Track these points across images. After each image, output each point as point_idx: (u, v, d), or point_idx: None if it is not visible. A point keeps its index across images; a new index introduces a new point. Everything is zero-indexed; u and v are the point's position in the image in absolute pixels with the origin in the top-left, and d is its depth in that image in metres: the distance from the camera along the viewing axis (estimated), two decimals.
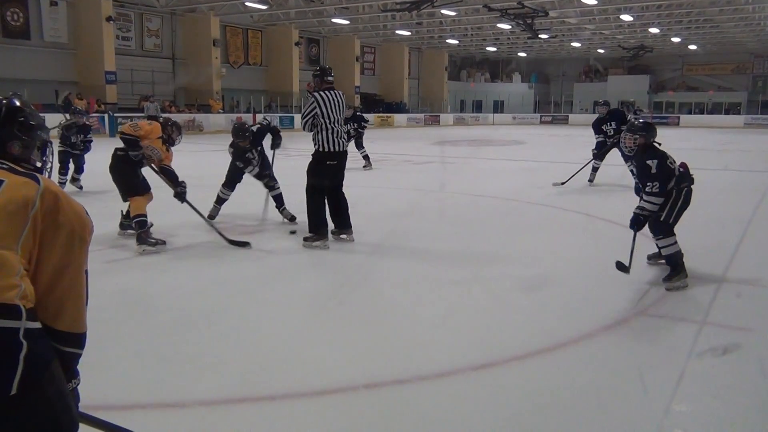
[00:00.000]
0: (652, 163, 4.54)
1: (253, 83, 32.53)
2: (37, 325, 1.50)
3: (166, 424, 2.77)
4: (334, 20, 31.44)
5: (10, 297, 1.42)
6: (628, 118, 9.92)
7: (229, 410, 2.86)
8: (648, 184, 4.56)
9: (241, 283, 4.83)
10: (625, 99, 44.52)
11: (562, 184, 9.94)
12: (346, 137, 5.80)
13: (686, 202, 4.67)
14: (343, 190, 5.98)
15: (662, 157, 4.62)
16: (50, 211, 1.58)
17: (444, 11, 28.86)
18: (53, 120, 8.71)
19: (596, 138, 10.29)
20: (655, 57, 43.35)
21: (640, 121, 4.95)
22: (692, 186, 4.72)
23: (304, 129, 5.82)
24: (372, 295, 4.70)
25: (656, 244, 4.80)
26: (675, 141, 20.49)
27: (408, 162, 13.86)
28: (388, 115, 37.27)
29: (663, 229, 4.65)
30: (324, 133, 5.68)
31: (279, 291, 4.63)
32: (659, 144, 4.76)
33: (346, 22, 31.94)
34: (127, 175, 5.91)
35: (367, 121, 13.86)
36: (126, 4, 26.65)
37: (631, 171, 9.55)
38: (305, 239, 5.82)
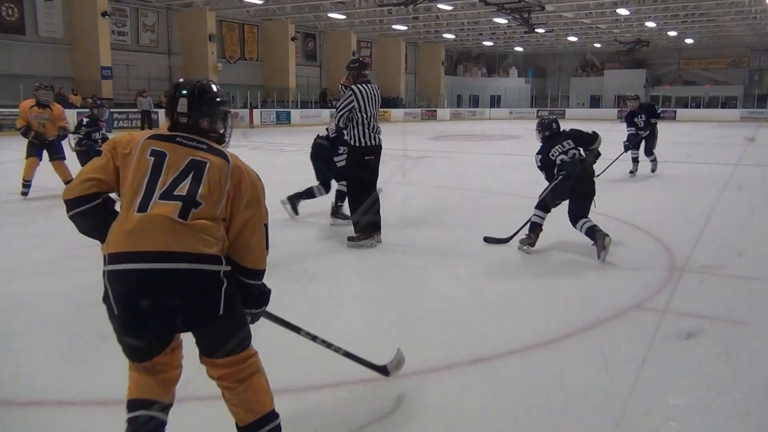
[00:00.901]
0: (537, 158, 5.71)
1: (249, 78, 32.45)
2: (229, 268, 2.13)
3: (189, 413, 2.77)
4: (331, 15, 31.35)
5: (214, 251, 2.06)
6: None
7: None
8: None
9: None
10: (622, 93, 44.75)
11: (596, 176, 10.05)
12: (380, 131, 5.66)
13: (564, 189, 5.45)
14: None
15: (548, 149, 5.57)
16: (236, 183, 2.14)
17: (440, 5, 28.81)
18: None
19: (628, 130, 10.66)
20: (651, 51, 43.37)
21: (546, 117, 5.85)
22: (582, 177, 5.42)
23: (338, 123, 5.64)
24: (369, 288, 4.71)
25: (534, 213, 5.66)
26: (673, 135, 20.53)
27: (405, 157, 13.85)
28: (385, 109, 37.20)
29: (540, 204, 5.65)
30: (360, 127, 5.51)
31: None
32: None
33: (343, 16, 31.86)
34: None
35: None
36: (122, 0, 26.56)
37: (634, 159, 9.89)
38: (350, 239, 5.66)
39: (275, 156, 15.05)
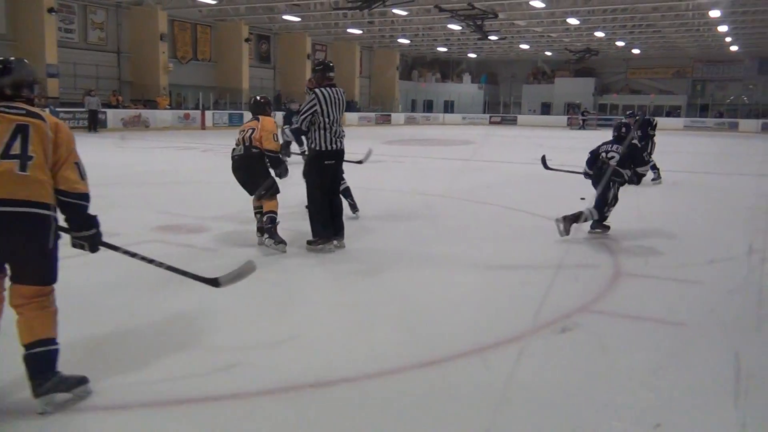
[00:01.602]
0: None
1: (201, 79, 31.97)
2: (56, 213, 2.76)
3: (176, 419, 2.70)
4: (285, 17, 31.16)
5: (48, 200, 2.69)
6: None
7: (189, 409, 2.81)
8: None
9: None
10: (571, 101, 45.77)
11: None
12: (343, 136, 5.64)
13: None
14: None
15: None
16: (56, 135, 2.75)
17: (395, 11, 28.96)
18: None
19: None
20: (600, 60, 44.51)
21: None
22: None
23: (301, 126, 5.57)
24: (316, 295, 4.70)
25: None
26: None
27: (360, 161, 13.84)
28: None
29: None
30: (322, 131, 5.47)
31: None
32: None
33: (297, 19, 31.71)
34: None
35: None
36: None
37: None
38: (309, 242, 5.62)
39: (227, 158, 14.84)
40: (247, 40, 32.76)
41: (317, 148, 5.51)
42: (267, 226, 5.64)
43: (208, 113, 28.50)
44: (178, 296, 4.38)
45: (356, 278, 5.08)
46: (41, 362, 2.69)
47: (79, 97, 24.57)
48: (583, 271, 5.28)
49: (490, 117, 46.23)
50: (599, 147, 6.73)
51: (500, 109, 48.23)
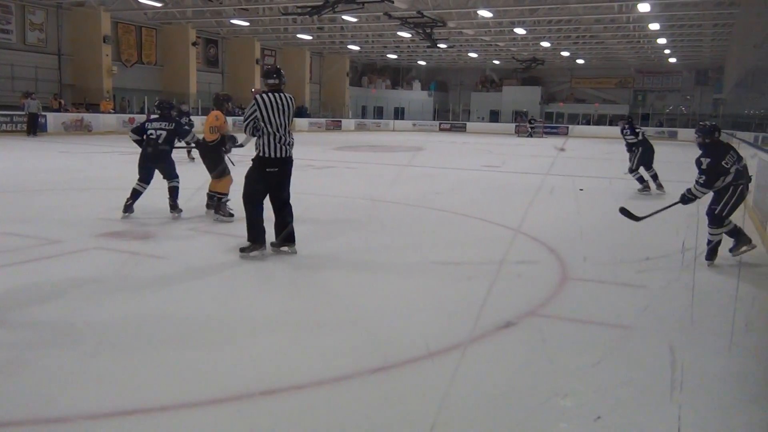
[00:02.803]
0: (704, 161, 5.58)
1: (147, 83, 31.30)
2: None
3: (125, 429, 2.62)
4: (233, 21, 30.83)
5: None
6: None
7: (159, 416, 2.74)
8: (698, 176, 5.65)
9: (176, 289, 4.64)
10: (518, 109, 46.75)
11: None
12: (291, 143, 5.54)
13: (741, 197, 5.61)
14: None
15: (718, 157, 5.59)
16: None
17: (345, 17, 29.00)
18: None
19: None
20: (546, 69, 45.55)
21: (707, 123, 5.92)
22: (749, 184, 5.81)
23: (245, 131, 5.57)
24: (268, 300, 4.66)
25: (709, 232, 5.75)
26: (568, 150, 21.63)
27: (310, 167, 13.81)
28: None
29: (718, 221, 5.63)
30: (265, 137, 5.42)
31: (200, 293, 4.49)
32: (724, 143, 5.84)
33: (246, 23, 31.41)
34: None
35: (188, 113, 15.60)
36: None
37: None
38: (242, 250, 5.54)
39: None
40: (194, 43, 32.26)
41: (260, 154, 5.47)
42: (212, 203, 7.27)
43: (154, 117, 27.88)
44: (123, 302, 4.28)
45: (305, 284, 5.06)
46: None
47: (17, 99, 23.71)
48: (529, 275, 5.38)
49: (440, 124, 46.71)
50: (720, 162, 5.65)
51: (450, 116, 48.80)
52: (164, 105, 7.65)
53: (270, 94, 5.49)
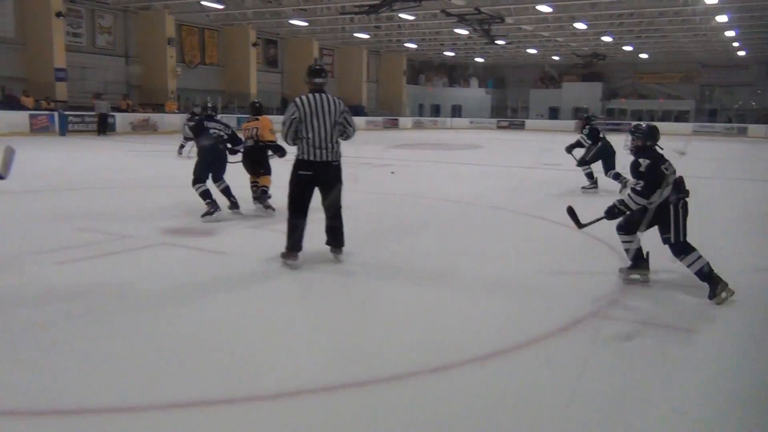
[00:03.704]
0: (643, 162, 4.73)
1: (209, 83, 32.09)
2: None
3: (158, 425, 2.72)
4: (292, 21, 31.27)
5: None
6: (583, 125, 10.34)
7: (200, 412, 2.82)
8: (636, 181, 4.75)
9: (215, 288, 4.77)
10: (578, 105, 45.73)
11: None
12: (333, 148, 5.25)
13: (685, 213, 4.71)
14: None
15: (656, 160, 4.77)
16: None
17: (402, 15, 29.01)
18: None
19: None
20: (607, 65, 44.43)
21: (643, 124, 5.15)
22: (687, 198, 4.76)
23: (285, 140, 5.34)
24: (335, 297, 4.70)
25: (684, 265, 4.68)
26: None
27: (368, 164, 13.88)
28: None
29: (681, 248, 4.66)
30: (302, 140, 5.18)
31: (251, 293, 4.60)
32: (661, 148, 4.93)
33: (305, 23, 31.81)
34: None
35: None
36: (77, 0, 25.98)
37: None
38: (282, 255, 5.34)
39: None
40: (254, 44, 32.88)
41: (297, 157, 5.27)
42: (260, 195, 7.68)
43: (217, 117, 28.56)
44: (186, 296, 4.40)
45: (355, 288, 5.08)
46: None
47: (88, 101, 24.71)
48: (592, 277, 5.26)
49: (498, 121, 46.21)
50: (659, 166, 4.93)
51: (508, 113, 48.22)
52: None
53: (312, 95, 5.23)
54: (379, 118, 40.15)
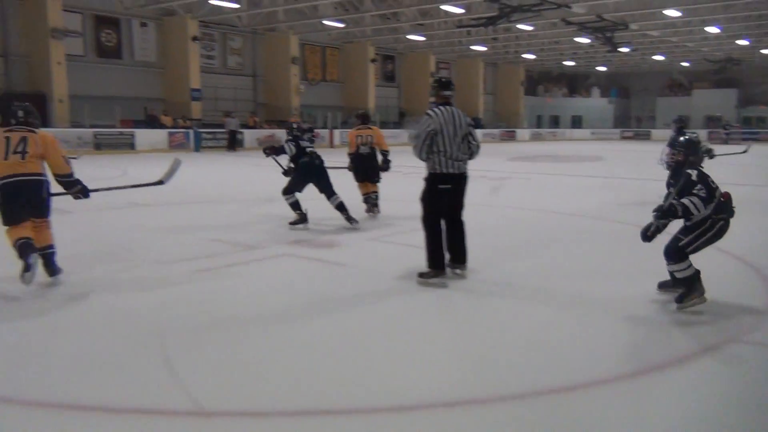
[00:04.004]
0: (692, 172, 4.33)
1: (330, 99, 33.17)
2: (47, 178, 4.96)
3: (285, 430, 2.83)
4: (410, 36, 31.69)
5: (40, 170, 4.89)
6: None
7: (298, 422, 2.90)
8: (694, 189, 4.26)
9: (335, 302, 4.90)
10: (711, 114, 42.90)
11: None
12: (464, 159, 5.22)
13: (718, 236, 4.39)
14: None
15: (703, 172, 4.38)
16: (42, 140, 4.91)
17: (520, 26, 28.61)
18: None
19: None
20: (743, 70, 41.44)
21: (684, 138, 4.70)
22: (730, 219, 4.42)
23: (418, 154, 5.16)
24: (456, 314, 4.68)
25: (668, 270, 4.45)
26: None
27: (484, 178, 13.75)
28: None
29: (677, 255, 4.36)
30: (436, 153, 5.10)
31: (359, 309, 4.68)
32: (702, 167, 4.49)
33: (422, 38, 32.14)
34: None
35: (313, 130, 16.29)
36: (210, 24, 27.76)
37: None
38: (421, 275, 5.22)
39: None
40: (373, 60, 33.63)
41: (432, 171, 5.17)
42: (376, 202, 8.42)
43: (336, 132, 29.46)
44: (311, 306, 4.54)
45: (480, 308, 5.01)
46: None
47: (219, 118, 26.31)
48: (729, 297, 4.89)
49: (622, 132, 44.35)
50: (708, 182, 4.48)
51: (632, 123, 46.12)
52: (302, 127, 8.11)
53: (443, 107, 5.17)
54: (496, 131, 39.70)
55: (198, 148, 23.97)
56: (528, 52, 37.88)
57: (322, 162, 7.64)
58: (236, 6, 24.82)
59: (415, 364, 3.57)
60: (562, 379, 3.34)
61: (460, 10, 25.74)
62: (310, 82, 32.54)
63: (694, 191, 4.25)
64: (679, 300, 4.38)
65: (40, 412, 2.98)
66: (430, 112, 5.16)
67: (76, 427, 2.86)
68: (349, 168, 8.64)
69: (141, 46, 26.05)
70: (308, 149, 7.61)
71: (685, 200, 4.26)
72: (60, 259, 5.12)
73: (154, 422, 2.89)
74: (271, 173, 9.39)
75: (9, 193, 4.76)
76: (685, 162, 4.49)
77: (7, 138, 4.78)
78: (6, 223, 4.81)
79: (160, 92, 26.40)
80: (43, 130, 5.04)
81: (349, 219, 7.55)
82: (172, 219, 8.34)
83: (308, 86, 31.90)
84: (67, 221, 7.08)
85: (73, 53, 23.14)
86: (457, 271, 5.36)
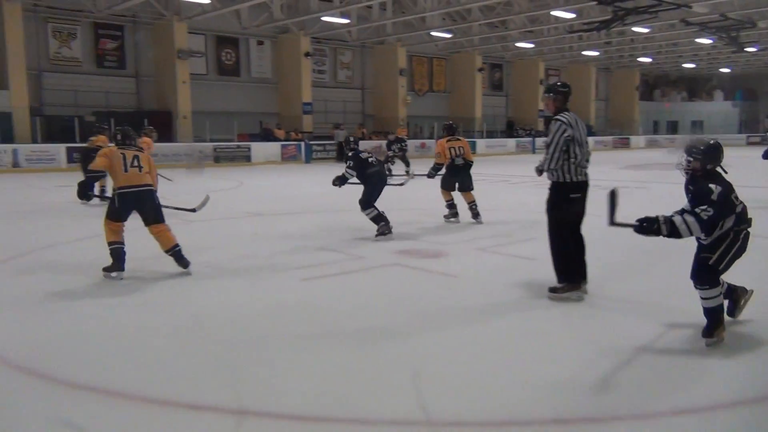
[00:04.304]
0: (716, 189, 3.81)
1: (436, 110, 33.24)
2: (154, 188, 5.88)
3: None
4: (518, 44, 31.19)
5: (151, 182, 5.79)
6: None
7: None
8: (702, 207, 3.80)
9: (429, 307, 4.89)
10: None
11: None
12: (586, 166, 5.04)
13: (743, 248, 3.96)
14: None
15: (728, 188, 3.90)
16: (149, 158, 5.91)
17: (635, 29, 27.43)
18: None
19: None
20: None
21: (703, 143, 4.09)
22: (749, 229, 3.99)
23: (553, 163, 4.91)
24: (576, 329, 4.53)
25: (699, 294, 3.96)
26: None
27: (597, 187, 13.26)
28: None
29: (710, 277, 3.91)
30: (568, 162, 4.90)
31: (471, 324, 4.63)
32: (725, 171, 4.05)
33: (531, 45, 31.55)
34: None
35: (404, 140, 18.00)
36: (322, 40, 28.64)
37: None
38: (552, 290, 4.98)
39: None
40: (480, 69, 33.39)
41: (560, 180, 4.94)
42: (476, 210, 8.58)
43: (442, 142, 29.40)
44: (418, 316, 4.53)
45: (599, 320, 4.81)
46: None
47: (329, 130, 27.07)
48: None
49: (747, 137, 41.35)
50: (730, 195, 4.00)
51: (760, 128, 42.89)
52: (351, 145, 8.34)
53: (570, 113, 5.01)
54: (609, 138, 38.19)
55: (309, 159, 24.74)
56: (644, 55, 36.21)
57: (385, 172, 8.22)
58: (346, 21, 25.47)
59: (538, 382, 3.47)
60: (703, 399, 3.14)
61: (571, 15, 25.03)
62: (417, 92, 32.77)
63: (699, 209, 3.81)
64: (706, 335, 3.92)
65: (144, 406, 3.15)
66: (563, 118, 4.95)
67: (175, 425, 3.00)
68: (429, 175, 9.00)
69: (257, 64, 27.30)
70: (370, 159, 7.88)
71: (683, 219, 3.87)
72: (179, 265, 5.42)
73: (252, 423, 2.98)
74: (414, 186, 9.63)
75: (129, 200, 5.60)
76: (702, 171, 3.99)
77: (123, 155, 5.63)
78: (110, 217, 5.63)
79: (275, 106, 27.52)
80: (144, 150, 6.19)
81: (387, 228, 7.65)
82: (282, 228, 8.63)
83: (415, 97, 32.14)
84: (188, 229, 7.50)
85: (196, 72, 24.62)
86: (583, 288, 5.06)
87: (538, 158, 5.44)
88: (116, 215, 5.62)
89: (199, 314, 4.70)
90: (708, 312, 3.94)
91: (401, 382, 3.41)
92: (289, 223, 9.20)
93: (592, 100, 39.49)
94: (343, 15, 24.88)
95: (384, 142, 19.62)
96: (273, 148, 24.35)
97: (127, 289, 5.36)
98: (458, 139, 8.87)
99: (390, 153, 17.21)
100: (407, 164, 16.75)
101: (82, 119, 21.20)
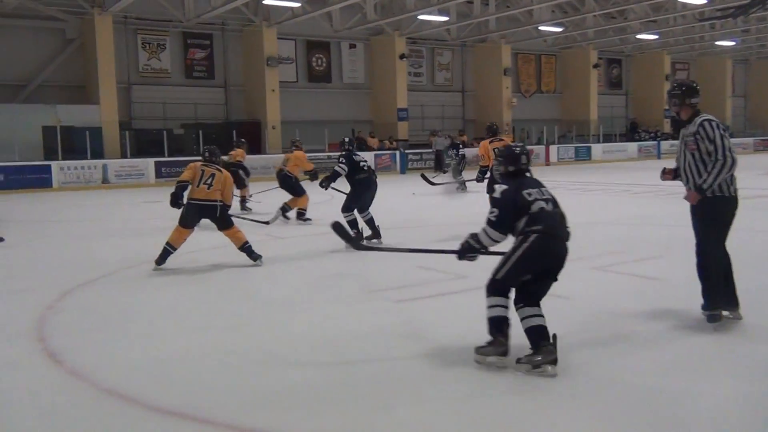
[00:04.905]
0: (498, 188, 4.10)
1: (545, 112, 32.66)
2: (222, 203, 7.36)
3: None
4: (640, 36, 30.14)
5: (219, 198, 7.23)
6: None
7: None
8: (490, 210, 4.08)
9: None
10: None
11: None
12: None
13: (538, 252, 3.97)
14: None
15: (519, 184, 4.06)
16: (225, 178, 7.31)
17: None
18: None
19: None
20: None
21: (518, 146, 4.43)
22: (551, 236, 3.99)
23: (732, 169, 4.61)
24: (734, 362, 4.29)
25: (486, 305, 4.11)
26: None
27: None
28: None
29: (493, 287, 4.08)
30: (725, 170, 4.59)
31: None
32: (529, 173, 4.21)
33: (654, 37, 30.42)
34: None
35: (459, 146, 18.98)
36: (418, 41, 28.85)
37: None
38: (712, 318, 4.71)
39: (576, 196, 14.77)
40: (595, 66, 32.53)
41: (719, 193, 4.62)
42: None
43: (553, 148, 28.85)
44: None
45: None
46: None
47: (425, 138, 27.13)
48: None
49: None
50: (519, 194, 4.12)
51: None
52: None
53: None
54: (749, 140, 36.08)
55: (404, 169, 24.87)
56: None
57: (375, 177, 8.84)
58: (445, 19, 25.54)
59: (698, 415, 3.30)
60: None
61: (701, 1, 23.94)
62: (523, 94, 32.34)
63: (489, 215, 4.08)
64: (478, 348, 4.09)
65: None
66: (717, 121, 4.77)
67: None
68: (477, 179, 9.19)
69: (349, 68, 27.88)
70: (362, 165, 8.61)
71: (479, 232, 4.14)
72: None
73: None
74: (474, 194, 9.47)
75: (192, 209, 7.18)
76: (504, 174, 4.24)
77: (203, 171, 7.19)
78: (180, 223, 7.21)
79: (368, 113, 27.95)
80: (223, 170, 7.52)
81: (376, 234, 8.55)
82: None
83: (521, 99, 31.71)
84: (280, 245, 7.71)
85: (286, 80, 25.44)
86: (728, 314, 4.77)
87: (664, 164, 5.18)
88: (183, 221, 7.17)
89: (277, 335, 4.80)
90: (490, 323, 4.03)
91: (507, 415, 3.33)
92: (386, 239, 9.24)
93: (728, 97, 37.59)
94: (441, 12, 24.97)
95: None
96: (370, 158, 24.66)
97: (217, 311, 5.56)
98: (501, 140, 9.12)
99: (447, 160, 17.26)
100: (459, 173, 16.82)
101: (170, 132, 22.39)
